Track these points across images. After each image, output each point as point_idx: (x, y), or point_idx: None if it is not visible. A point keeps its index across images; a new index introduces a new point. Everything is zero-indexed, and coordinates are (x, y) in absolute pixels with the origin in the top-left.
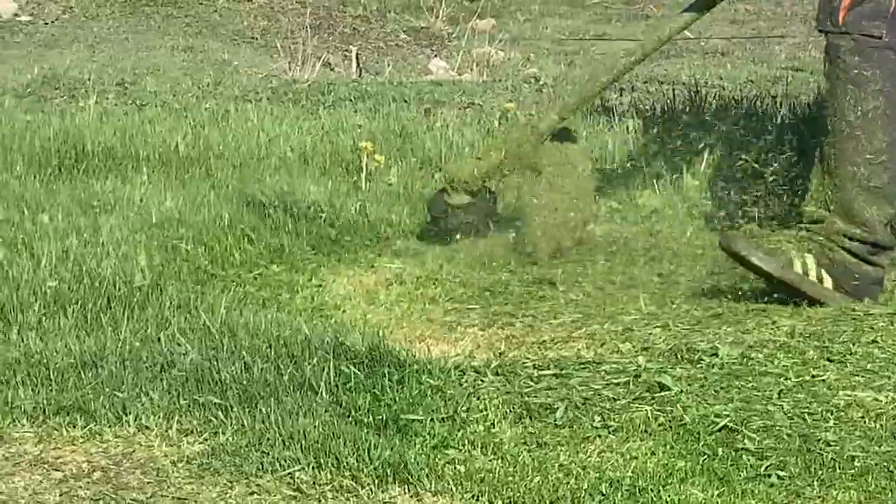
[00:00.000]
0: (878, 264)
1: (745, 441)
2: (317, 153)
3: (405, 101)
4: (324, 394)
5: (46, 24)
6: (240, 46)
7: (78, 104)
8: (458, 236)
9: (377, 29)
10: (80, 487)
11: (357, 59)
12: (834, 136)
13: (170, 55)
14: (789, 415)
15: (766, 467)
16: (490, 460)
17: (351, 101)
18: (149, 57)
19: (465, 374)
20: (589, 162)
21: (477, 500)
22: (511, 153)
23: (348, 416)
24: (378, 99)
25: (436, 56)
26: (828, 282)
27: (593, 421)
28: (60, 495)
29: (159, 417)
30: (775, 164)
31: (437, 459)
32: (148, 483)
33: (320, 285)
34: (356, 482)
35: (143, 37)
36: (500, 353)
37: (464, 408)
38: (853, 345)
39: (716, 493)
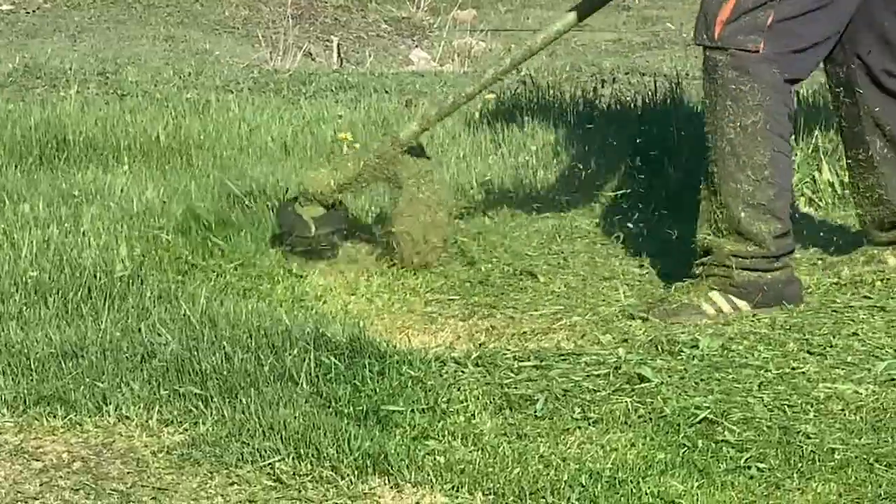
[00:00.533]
0: (782, 266)
1: (725, 433)
2: (297, 143)
3: (386, 92)
4: (304, 384)
5: (28, 13)
6: (221, 36)
7: (59, 94)
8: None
9: (358, 19)
10: (61, 477)
11: (338, 49)
12: (715, 154)
13: (151, 45)
14: (769, 407)
15: (746, 459)
16: (470, 451)
17: (332, 91)
18: (130, 47)
19: (445, 365)
20: (438, 176)
21: (457, 491)
22: (370, 164)
23: (329, 407)
24: (359, 90)
25: (417, 47)
26: (743, 305)
27: (573, 412)
28: (41, 485)
29: (139, 408)
30: None
31: (417, 450)
32: (128, 473)
33: (301, 276)
34: (336, 473)
35: (125, 27)
36: (481, 345)
37: (444, 399)
38: (833, 337)
39: (696, 484)
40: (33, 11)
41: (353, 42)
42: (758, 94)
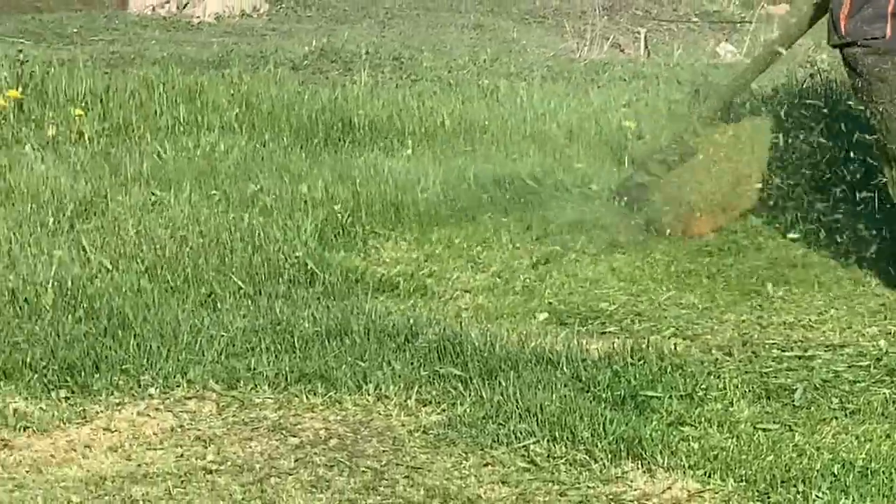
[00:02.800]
0: None
1: None
2: (582, 131)
3: (679, 83)
4: (564, 368)
5: None
6: (530, 26)
7: (351, 78)
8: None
9: (669, 11)
10: (316, 454)
11: (645, 40)
12: (891, 136)
13: (459, 33)
14: None
15: None
16: (725, 438)
17: (625, 80)
18: (438, 34)
19: (707, 353)
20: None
21: (709, 477)
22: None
23: (587, 392)
24: (651, 80)
25: (726, 40)
26: None
27: (831, 403)
28: (296, 461)
29: (399, 387)
30: None
31: (672, 436)
32: (383, 451)
33: (580, 261)
34: (590, 456)
35: (435, 14)
36: (744, 333)
37: (703, 386)
38: None
39: None
40: None
41: (661, 34)
42: None
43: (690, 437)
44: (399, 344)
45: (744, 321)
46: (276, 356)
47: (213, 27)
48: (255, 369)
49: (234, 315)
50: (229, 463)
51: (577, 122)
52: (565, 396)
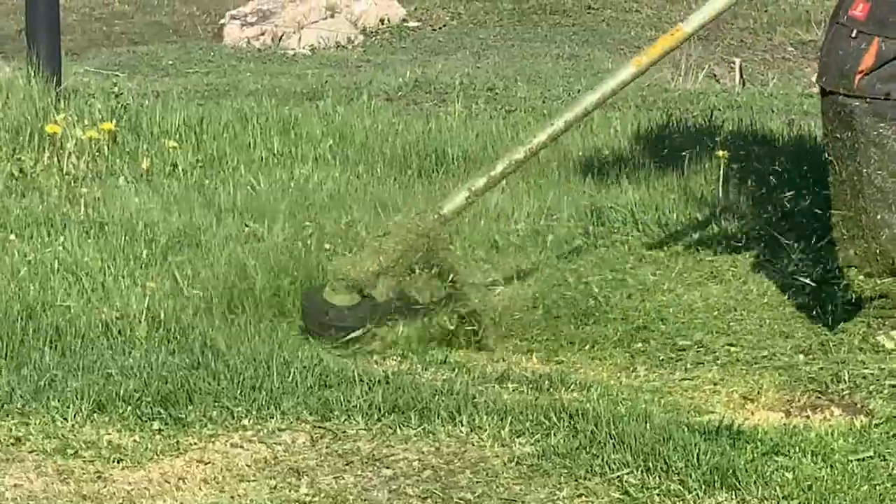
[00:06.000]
0: None
1: None
2: (673, 161)
3: (772, 111)
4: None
5: (434, 30)
6: (625, 56)
7: (445, 108)
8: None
9: (764, 41)
10: (410, 485)
11: (741, 70)
12: (864, 201)
13: (554, 63)
14: None
15: None
16: (819, 468)
17: (719, 110)
18: (532, 64)
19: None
20: None
21: None
22: (411, 244)
23: (680, 421)
24: (746, 109)
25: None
26: None
27: None
28: (389, 493)
29: (493, 418)
30: None
31: (766, 466)
32: (477, 483)
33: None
34: (683, 486)
35: (529, 45)
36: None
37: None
38: None
39: None
40: (439, 28)
41: (757, 64)
42: None
43: (784, 467)
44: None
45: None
46: (369, 387)
47: (307, 59)
48: (348, 400)
49: (327, 346)
50: (323, 495)
51: (668, 152)
52: (659, 427)
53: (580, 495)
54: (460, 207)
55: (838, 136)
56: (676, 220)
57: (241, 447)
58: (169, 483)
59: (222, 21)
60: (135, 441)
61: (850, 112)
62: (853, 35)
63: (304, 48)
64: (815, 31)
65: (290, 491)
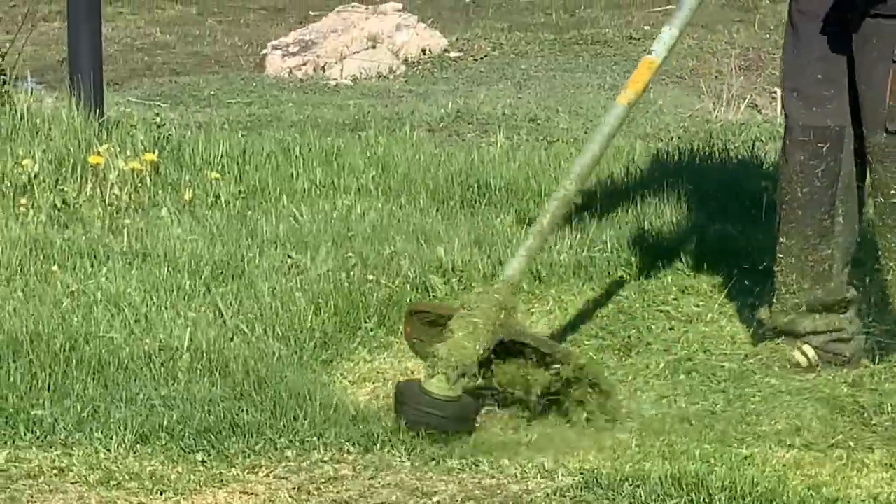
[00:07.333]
0: None
1: None
2: (721, 193)
3: None
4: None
5: (476, 60)
6: (667, 86)
7: (488, 139)
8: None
9: None
10: None
11: (782, 101)
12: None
13: (596, 93)
14: None
15: None
16: None
17: (762, 141)
18: (574, 95)
19: None
20: None
21: None
22: (497, 321)
23: (724, 453)
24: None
25: None
26: None
27: None
28: None
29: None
30: None
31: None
32: None
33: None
34: None
35: (571, 75)
36: None
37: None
38: None
39: None
40: (481, 59)
41: None
42: None
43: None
44: None
45: None
46: None
47: (349, 89)
48: (391, 432)
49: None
50: None
51: (714, 185)
52: (703, 455)
53: None
54: (523, 270)
55: (880, 177)
56: (717, 251)
57: (285, 479)
58: None
59: (264, 51)
60: (178, 472)
61: (885, 149)
62: None
63: (346, 78)
64: None
65: None
